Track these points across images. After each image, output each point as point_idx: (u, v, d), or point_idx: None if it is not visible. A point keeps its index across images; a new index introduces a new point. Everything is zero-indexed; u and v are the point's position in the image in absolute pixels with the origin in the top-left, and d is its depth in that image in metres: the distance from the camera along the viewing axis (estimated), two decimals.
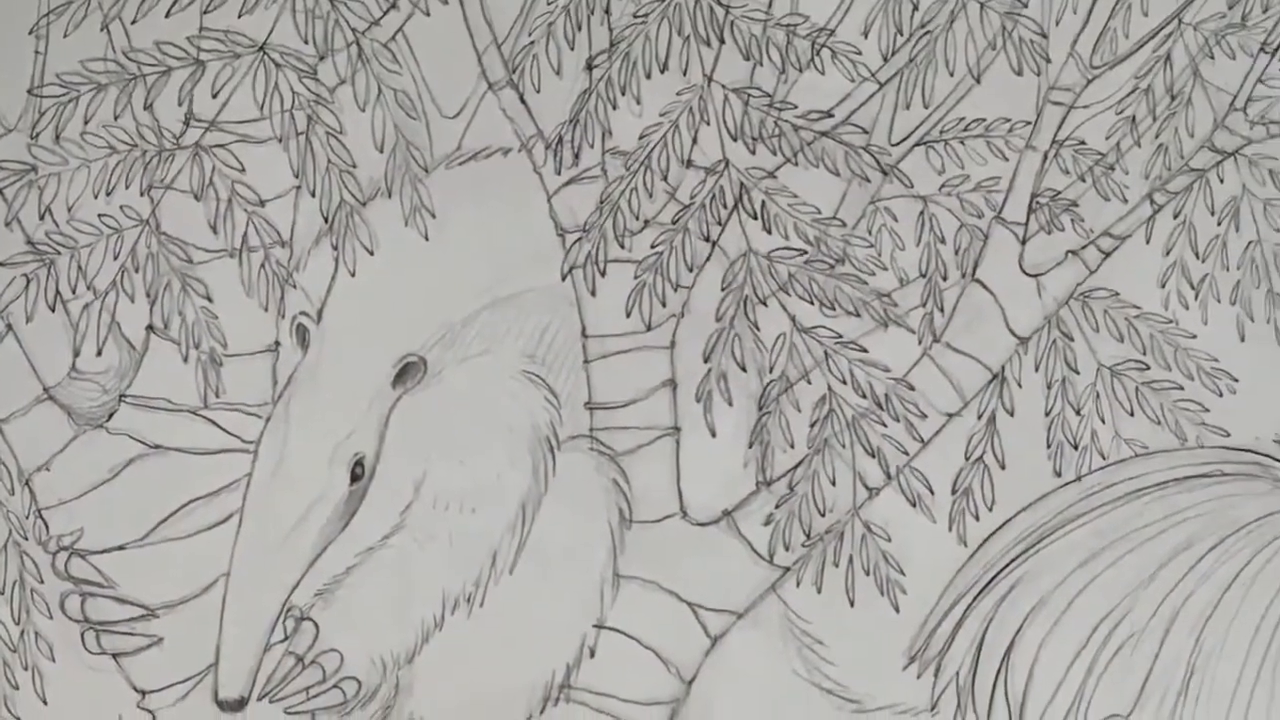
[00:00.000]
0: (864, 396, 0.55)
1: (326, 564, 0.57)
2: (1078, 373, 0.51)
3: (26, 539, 0.59)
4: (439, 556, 0.57)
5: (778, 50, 0.52)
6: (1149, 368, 0.51)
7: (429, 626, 0.56)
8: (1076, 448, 0.50)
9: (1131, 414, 0.50)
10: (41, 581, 0.59)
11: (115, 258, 0.59)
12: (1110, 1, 0.52)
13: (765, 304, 0.56)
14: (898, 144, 0.56)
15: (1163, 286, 0.51)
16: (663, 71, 0.55)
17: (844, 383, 0.55)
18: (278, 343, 0.60)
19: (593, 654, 0.55)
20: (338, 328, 0.59)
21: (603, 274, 0.57)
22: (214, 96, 0.58)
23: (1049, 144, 0.55)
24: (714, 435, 0.57)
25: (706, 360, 0.57)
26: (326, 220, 0.59)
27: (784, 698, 0.53)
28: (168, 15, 0.55)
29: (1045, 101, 0.54)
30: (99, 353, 0.62)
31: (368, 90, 0.58)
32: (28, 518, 0.59)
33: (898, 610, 0.53)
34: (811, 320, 0.56)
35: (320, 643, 0.56)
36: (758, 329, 0.56)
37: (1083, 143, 0.54)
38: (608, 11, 0.53)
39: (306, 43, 0.54)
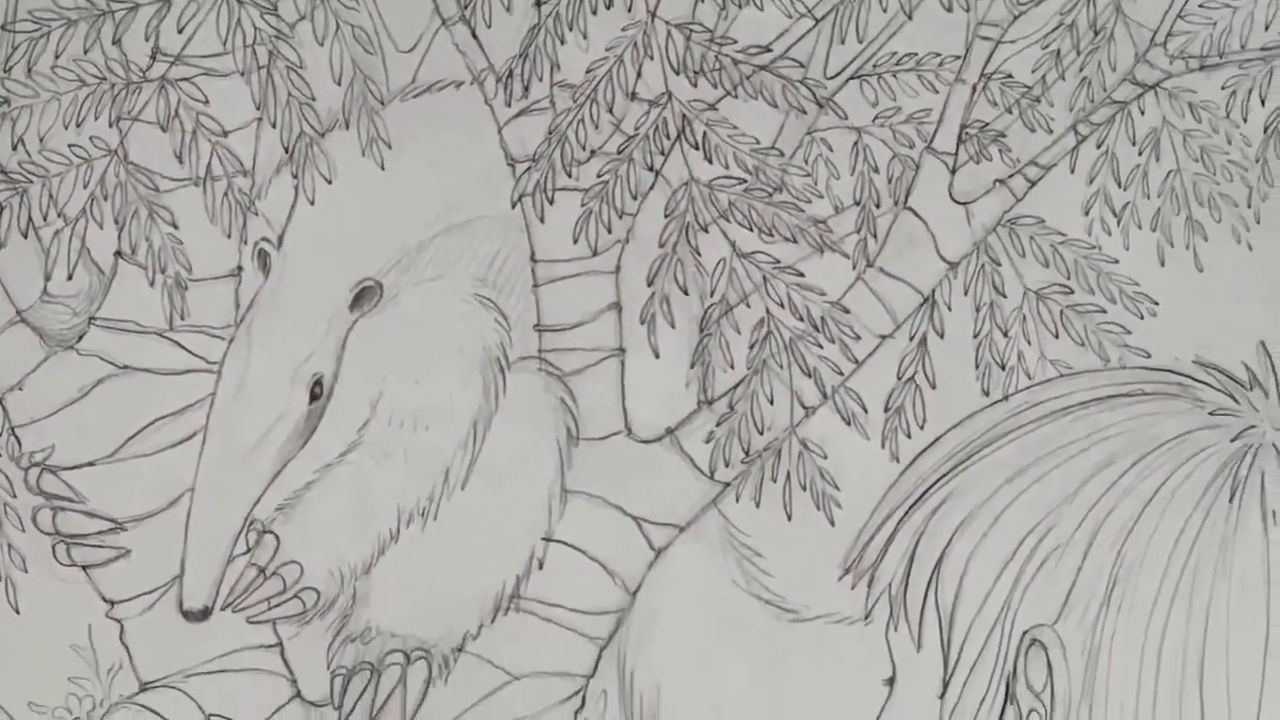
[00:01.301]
0: (801, 319, 0.54)
1: (287, 480, 0.56)
2: (1005, 296, 0.49)
3: (0, 456, 0.57)
4: (394, 472, 0.56)
5: None
6: (1073, 291, 0.50)
7: (385, 539, 0.55)
8: (1004, 368, 0.49)
9: (1056, 336, 0.49)
10: (14, 496, 0.58)
11: (85, 186, 0.58)
12: None
13: (706, 230, 0.55)
14: (833, 77, 0.55)
15: (1086, 214, 0.50)
16: (608, 7, 0.55)
17: (781, 306, 0.55)
18: (240, 268, 0.59)
19: (541, 565, 0.54)
20: (297, 253, 0.58)
21: (551, 202, 0.56)
22: (179, 32, 0.58)
23: (977, 77, 0.55)
24: (657, 356, 0.56)
25: (650, 284, 0.56)
26: (287, 150, 0.58)
27: (724, 607, 0.52)
28: None
29: (974, 36, 0.54)
30: (69, 277, 0.60)
31: (326, 26, 0.57)
32: (1, 435, 0.58)
33: (833, 524, 0.53)
34: (750, 246, 0.55)
35: (281, 555, 0.55)
36: (699, 254, 0.55)
37: (1010, 76, 0.54)
38: None
39: None
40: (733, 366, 0.54)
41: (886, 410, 0.53)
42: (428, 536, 0.55)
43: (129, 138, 0.58)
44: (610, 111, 0.56)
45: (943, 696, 0.45)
